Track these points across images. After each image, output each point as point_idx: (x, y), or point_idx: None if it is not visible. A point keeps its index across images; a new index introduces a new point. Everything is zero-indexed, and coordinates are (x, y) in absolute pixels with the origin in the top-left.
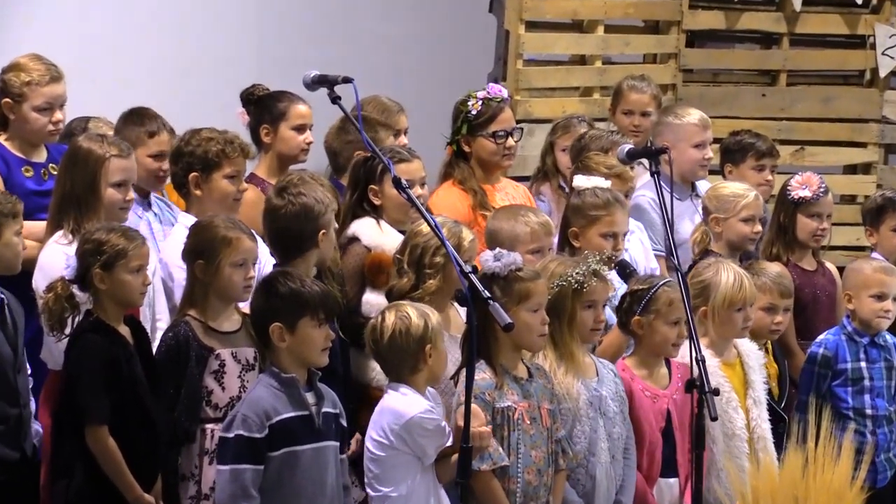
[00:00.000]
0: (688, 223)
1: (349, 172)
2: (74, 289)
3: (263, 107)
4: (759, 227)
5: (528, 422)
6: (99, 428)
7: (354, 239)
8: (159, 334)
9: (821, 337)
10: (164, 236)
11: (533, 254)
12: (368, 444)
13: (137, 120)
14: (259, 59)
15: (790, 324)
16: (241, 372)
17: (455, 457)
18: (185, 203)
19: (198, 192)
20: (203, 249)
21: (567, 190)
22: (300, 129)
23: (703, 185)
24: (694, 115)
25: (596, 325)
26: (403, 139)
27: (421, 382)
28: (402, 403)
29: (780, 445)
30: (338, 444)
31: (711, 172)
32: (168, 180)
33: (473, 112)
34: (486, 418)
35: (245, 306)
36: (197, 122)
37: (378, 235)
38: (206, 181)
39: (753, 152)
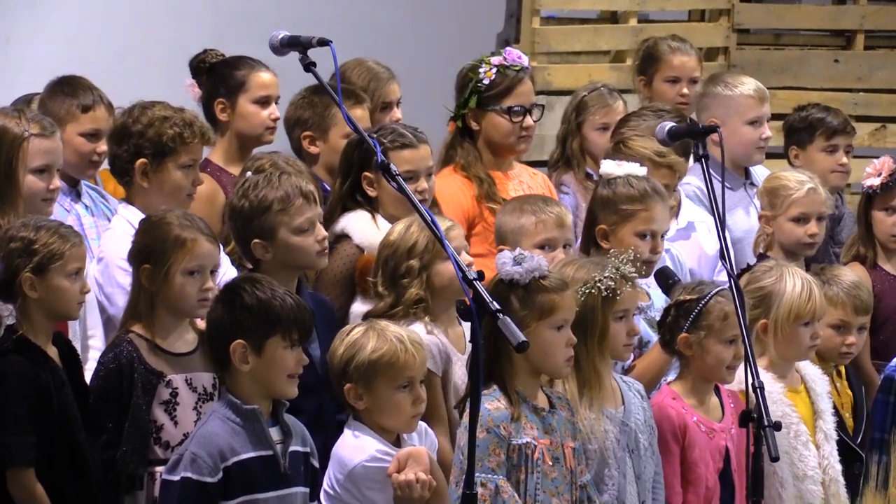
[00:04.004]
0: (742, 217)
1: (340, 156)
2: None
3: (218, 77)
4: (815, 229)
5: (550, 462)
6: (24, 471)
7: (344, 236)
8: (92, 354)
9: None
10: (97, 233)
11: (541, 248)
12: (321, 495)
13: (69, 90)
14: (214, 16)
15: (865, 343)
16: (197, 402)
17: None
18: (125, 192)
19: (144, 183)
20: (151, 252)
21: (595, 177)
22: (263, 102)
23: (759, 172)
24: (748, 85)
25: (629, 340)
26: (397, 113)
27: (372, 423)
28: (349, 448)
29: (855, 489)
30: (307, 490)
31: (771, 156)
32: (102, 166)
33: (486, 81)
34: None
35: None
36: (135, 97)
37: (373, 233)
38: (157, 170)
39: (823, 130)
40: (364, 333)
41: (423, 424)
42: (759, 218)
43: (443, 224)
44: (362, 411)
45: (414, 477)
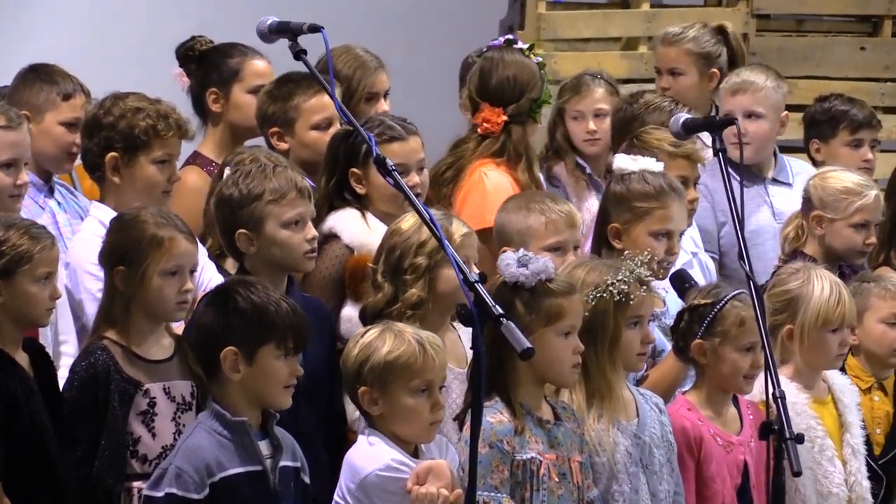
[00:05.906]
0: (757, 216)
1: (325, 152)
2: None
3: (210, 65)
4: (873, 239)
5: (556, 478)
6: None
7: (332, 236)
8: (64, 361)
9: None
10: (71, 231)
11: (552, 251)
12: None
13: (46, 77)
14: (199, 1)
15: None
16: (175, 413)
17: None
18: (98, 190)
19: (116, 179)
20: (125, 252)
21: (587, 170)
22: (258, 91)
23: (796, 166)
24: (734, 78)
25: (643, 348)
26: (384, 105)
27: (387, 431)
28: (362, 456)
29: None
30: None
31: (791, 149)
32: (78, 159)
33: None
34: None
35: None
36: (118, 88)
37: (363, 232)
38: (129, 164)
39: (847, 123)
40: (380, 335)
41: (443, 438)
42: (812, 217)
43: (460, 229)
44: (377, 417)
45: (435, 491)
